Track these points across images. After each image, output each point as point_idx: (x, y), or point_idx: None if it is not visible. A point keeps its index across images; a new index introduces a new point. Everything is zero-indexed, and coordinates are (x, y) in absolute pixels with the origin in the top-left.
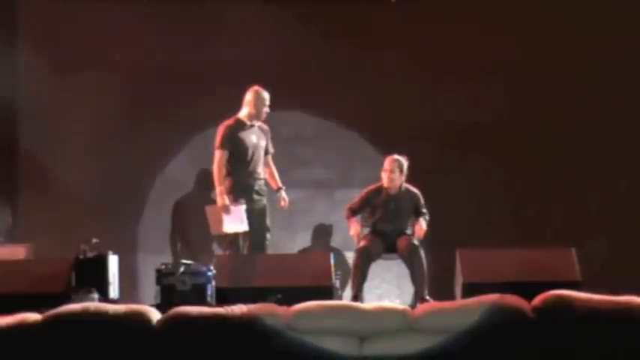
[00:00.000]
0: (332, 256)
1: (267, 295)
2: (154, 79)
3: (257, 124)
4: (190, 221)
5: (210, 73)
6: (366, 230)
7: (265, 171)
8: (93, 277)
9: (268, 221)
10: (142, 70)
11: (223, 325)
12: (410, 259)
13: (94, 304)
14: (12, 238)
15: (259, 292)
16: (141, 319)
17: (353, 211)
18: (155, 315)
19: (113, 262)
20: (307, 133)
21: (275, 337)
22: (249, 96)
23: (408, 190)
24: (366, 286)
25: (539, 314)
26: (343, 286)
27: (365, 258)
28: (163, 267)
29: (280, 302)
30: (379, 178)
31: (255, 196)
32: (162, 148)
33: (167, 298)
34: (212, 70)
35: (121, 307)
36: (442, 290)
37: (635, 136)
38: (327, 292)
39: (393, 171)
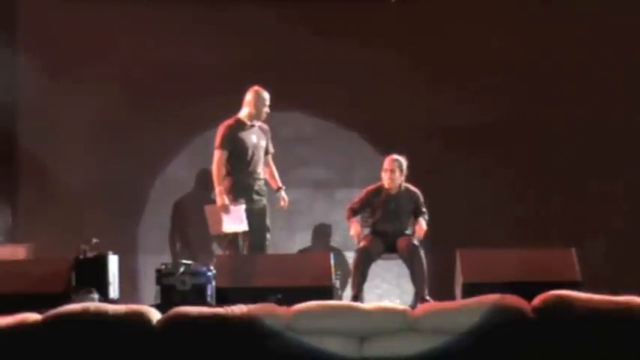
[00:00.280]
0: (332, 256)
1: (267, 295)
2: (153, 80)
3: (257, 124)
4: (190, 221)
5: (210, 73)
6: (366, 230)
7: (265, 171)
8: (93, 277)
9: (268, 221)
10: (142, 71)
11: (223, 325)
12: (410, 259)
13: (94, 304)
14: (12, 238)
15: (259, 292)
16: (141, 319)
17: (353, 212)
18: (155, 315)
19: (113, 262)
20: (307, 133)
21: (275, 338)
22: (249, 96)
23: (408, 190)
24: (366, 286)
25: (539, 314)
26: (343, 286)
27: (365, 258)
28: (163, 267)
29: (280, 302)
30: (379, 178)
31: (255, 196)
32: (162, 149)
33: (167, 298)
34: (212, 70)
35: (121, 307)
36: (442, 290)
37: (634, 136)
38: (327, 292)
39: (394, 171)
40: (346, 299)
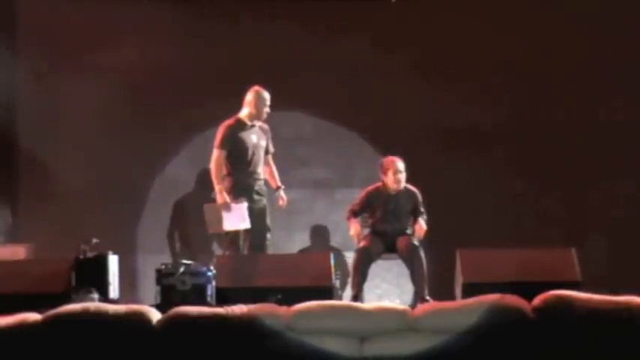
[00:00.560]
0: (332, 256)
1: (267, 295)
2: (154, 80)
3: (258, 124)
4: (190, 221)
5: (210, 73)
6: (366, 230)
7: (265, 170)
8: (93, 277)
9: (268, 221)
10: (142, 71)
11: (223, 325)
12: (410, 259)
13: (94, 304)
14: (12, 238)
15: (259, 292)
16: (141, 319)
17: (354, 213)
18: (155, 315)
19: (113, 262)
20: (307, 133)
21: (275, 338)
22: (249, 96)
23: (407, 190)
24: (366, 286)
25: (539, 314)
26: (343, 286)
27: (365, 258)
28: (163, 267)
29: (280, 302)
30: (379, 179)
31: (256, 196)
32: (162, 149)
33: (167, 298)
34: (212, 70)
35: (121, 307)
36: (442, 290)
37: (635, 136)
38: (327, 292)
39: (403, 172)
40: (346, 299)
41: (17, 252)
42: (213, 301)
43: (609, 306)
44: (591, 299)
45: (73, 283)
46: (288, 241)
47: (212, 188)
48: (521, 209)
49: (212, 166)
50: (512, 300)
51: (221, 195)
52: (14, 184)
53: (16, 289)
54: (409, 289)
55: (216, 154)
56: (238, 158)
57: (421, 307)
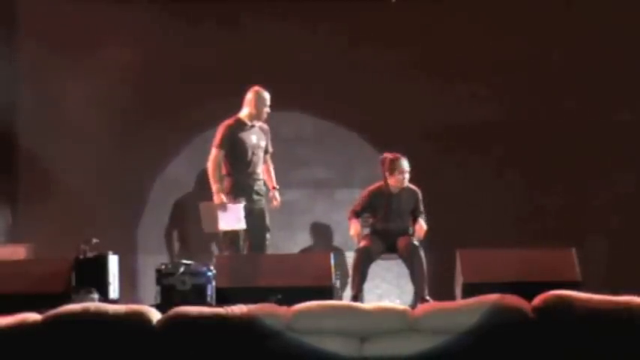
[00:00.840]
0: (332, 256)
1: (267, 295)
2: (154, 80)
3: (257, 124)
4: (190, 222)
5: (210, 73)
6: (366, 230)
7: (262, 170)
8: (93, 277)
9: (268, 221)
10: (142, 71)
11: (223, 325)
12: (410, 259)
13: (94, 304)
14: (12, 238)
15: (259, 292)
16: (141, 319)
17: (356, 213)
18: (155, 315)
19: (113, 262)
20: (307, 133)
21: (275, 338)
22: (249, 96)
23: (409, 188)
24: (366, 286)
25: (539, 314)
26: (343, 286)
27: (365, 258)
28: (163, 267)
29: (280, 302)
30: (379, 178)
31: (255, 197)
32: (162, 149)
33: (167, 298)
34: (212, 70)
35: (121, 307)
36: (442, 290)
37: (635, 136)
38: (327, 292)
39: (408, 171)
40: (346, 299)
41: (17, 252)
42: (213, 301)
43: (609, 306)
44: (591, 299)
45: (73, 283)
46: (289, 241)
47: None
48: (521, 209)
49: (209, 165)
50: (513, 300)
51: (217, 195)
52: (14, 184)
53: (16, 289)
54: (409, 289)
55: (214, 153)
56: (238, 158)
57: (421, 307)
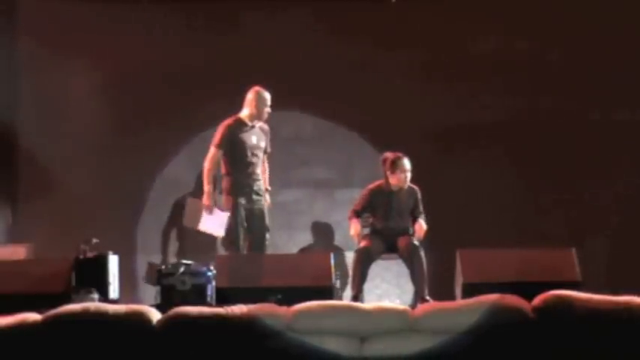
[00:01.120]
0: (332, 256)
1: (267, 295)
2: (153, 80)
3: (258, 124)
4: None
5: (210, 73)
6: (366, 230)
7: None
8: (93, 277)
9: (268, 221)
10: (142, 71)
11: (223, 325)
12: (410, 259)
13: (94, 304)
14: (12, 238)
15: (259, 292)
16: (141, 319)
17: (356, 213)
18: (155, 315)
19: (113, 262)
20: (307, 133)
21: (275, 338)
22: (250, 96)
23: (409, 187)
24: (366, 286)
25: (539, 314)
26: (343, 286)
27: (365, 258)
28: (163, 267)
29: (280, 302)
30: (379, 178)
31: (255, 197)
32: (161, 149)
33: (167, 298)
34: (211, 70)
35: (121, 307)
36: (442, 290)
37: (635, 136)
38: (327, 292)
39: (410, 171)
40: (346, 299)
41: (17, 252)
42: (213, 301)
43: (609, 306)
44: (591, 299)
45: (73, 283)
46: (289, 241)
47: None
48: (521, 209)
49: (205, 164)
50: (513, 300)
51: (207, 196)
52: (14, 184)
53: (16, 289)
54: (409, 289)
55: (212, 152)
56: (237, 158)
57: (421, 307)
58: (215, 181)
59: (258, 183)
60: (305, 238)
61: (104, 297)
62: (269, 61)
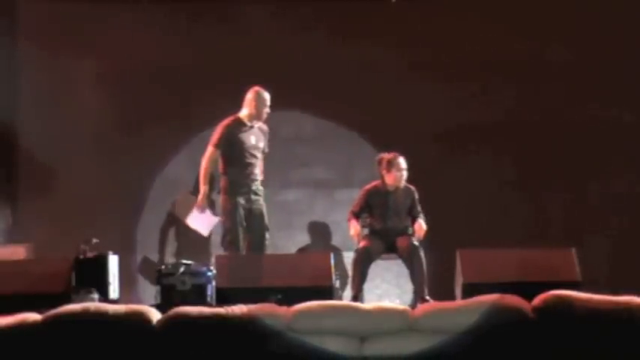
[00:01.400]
0: (332, 256)
1: (267, 295)
2: (153, 80)
3: (257, 124)
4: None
5: (210, 73)
6: (366, 231)
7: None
8: (93, 277)
9: (267, 221)
10: (142, 71)
11: (223, 325)
12: (410, 259)
13: (94, 304)
14: (12, 238)
15: (259, 292)
16: (141, 319)
17: (355, 215)
18: (155, 315)
19: (113, 262)
20: (307, 133)
21: (275, 338)
22: (249, 96)
23: (405, 187)
24: (366, 286)
25: (539, 314)
26: (343, 286)
27: (365, 258)
28: (163, 267)
29: (280, 302)
30: (379, 178)
31: (253, 196)
32: (161, 149)
33: (167, 298)
34: (211, 70)
35: (121, 307)
36: (442, 290)
37: (635, 136)
38: (327, 292)
39: (405, 170)
40: (346, 299)
41: (17, 252)
42: (213, 301)
43: (609, 306)
44: (591, 299)
45: (73, 283)
46: (288, 241)
47: (212, 188)
48: (521, 209)
49: (202, 163)
50: (512, 300)
51: (203, 197)
52: (14, 184)
53: (16, 289)
54: (409, 289)
55: (210, 150)
56: (236, 158)
57: (421, 307)
58: (213, 181)
59: (256, 183)
60: (305, 239)
61: (104, 297)
62: (269, 61)
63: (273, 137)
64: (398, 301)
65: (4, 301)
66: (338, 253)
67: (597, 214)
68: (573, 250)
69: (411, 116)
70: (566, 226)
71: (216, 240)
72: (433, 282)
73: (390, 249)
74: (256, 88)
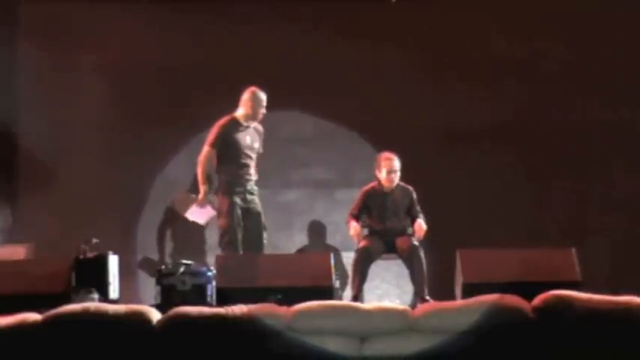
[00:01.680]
0: (332, 256)
1: (267, 295)
2: (153, 80)
3: (252, 125)
4: (189, 221)
5: (210, 73)
6: (366, 231)
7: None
8: (93, 277)
9: (264, 220)
10: (142, 71)
11: (223, 325)
12: (410, 260)
13: (94, 304)
14: (12, 238)
15: (259, 292)
16: (141, 319)
17: (354, 217)
18: (155, 315)
19: (113, 262)
20: (307, 133)
21: (275, 338)
22: (246, 96)
23: (402, 187)
24: (366, 286)
25: (539, 314)
26: (343, 286)
27: (365, 258)
28: (163, 267)
29: (280, 302)
30: (377, 178)
31: (249, 196)
32: (161, 149)
33: (167, 298)
34: (211, 70)
35: (121, 307)
36: (442, 290)
37: (635, 135)
38: (327, 293)
39: (397, 172)
40: (346, 299)
41: (17, 252)
42: (213, 301)
43: (609, 306)
44: (591, 299)
45: (73, 283)
46: (288, 241)
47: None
48: (521, 209)
49: (199, 163)
50: (512, 300)
51: (204, 196)
52: (14, 184)
53: (16, 289)
54: (409, 289)
55: (206, 150)
56: (232, 158)
57: (421, 307)
58: (210, 181)
59: (251, 183)
60: (305, 239)
61: (104, 297)
62: (269, 61)
63: (273, 137)
64: (398, 301)
65: (4, 301)
66: (338, 253)
67: (597, 214)
68: (573, 250)
69: (411, 116)
70: (566, 226)
71: (214, 240)
72: (433, 282)
73: (390, 249)
74: (252, 88)
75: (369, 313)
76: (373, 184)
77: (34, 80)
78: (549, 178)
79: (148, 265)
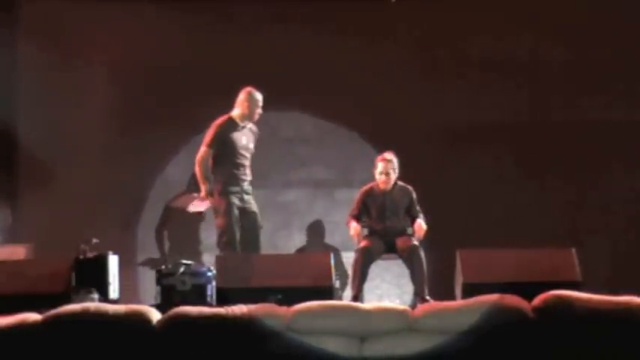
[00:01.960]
0: (332, 256)
1: (267, 295)
2: (153, 80)
3: (248, 125)
4: (188, 221)
5: (210, 73)
6: (366, 231)
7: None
8: (93, 277)
9: (260, 220)
10: (142, 71)
11: (223, 325)
12: (410, 259)
13: (94, 304)
14: (12, 238)
15: (259, 292)
16: (141, 319)
17: (354, 217)
18: (155, 315)
19: (113, 262)
20: (307, 133)
21: (275, 338)
22: (242, 96)
23: (401, 186)
24: (366, 286)
25: (539, 314)
26: (343, 286)
27: (365, 258)
28: (163, 267)
29: (280, 302)
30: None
31: (245, 196)
32: (161, 149)
33: (167, 298)
34: (211, 70)
35: (121, 307)
36: (442, 290)
37: (635, 135)
38: (327, 293)
39: (389, 173)
40: (346, 299)
41: (17, 252)
42: (213, 301)
43: (609, 306)
44: (591, 299)
45: (73, 283)
46: (288, 241)
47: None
48: (521, 209)
49: (197, 163)
50: (512, 300)
51: (206, 193)
52: (14, 184)
53: (16, 289)
54: (409, 289)
55: (203, 150)
56: (227, 158)
57: (421, 307)
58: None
59: (247, 183)
60: (304, 239)
61: (104, 297)
62: (269, 61)
63: (273, 137)
64: (398, 301)
65: (4, 301)
66: (338, 253)
67: (597, 214)
68: (573, 250)
69: (410, 116)
70: (566, 226)
71: (213, 240)
72: (433, 282)
73: (390, 249)
74: (248, 88)
75: (368, 313)
76: (372, 184)
77: (34, 80)
78: (549, 177)
79: (148, 264)
